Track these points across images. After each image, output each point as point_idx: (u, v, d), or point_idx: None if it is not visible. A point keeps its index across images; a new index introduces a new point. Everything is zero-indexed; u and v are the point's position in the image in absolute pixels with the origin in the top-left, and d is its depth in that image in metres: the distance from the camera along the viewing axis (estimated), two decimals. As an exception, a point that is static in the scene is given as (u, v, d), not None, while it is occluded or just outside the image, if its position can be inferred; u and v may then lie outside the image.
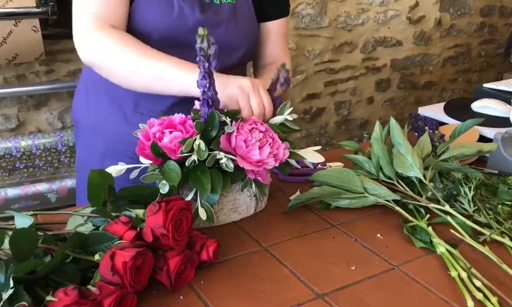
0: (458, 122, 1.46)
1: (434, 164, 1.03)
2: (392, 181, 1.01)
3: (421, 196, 0.99)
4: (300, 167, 1.01)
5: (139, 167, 0.89)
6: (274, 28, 1.29)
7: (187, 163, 0.86)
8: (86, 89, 1.26)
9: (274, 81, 0.98)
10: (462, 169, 1.04)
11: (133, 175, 0.89)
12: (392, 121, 1.05)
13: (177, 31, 1.09)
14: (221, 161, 0.85)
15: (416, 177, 1.00)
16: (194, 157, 0.85)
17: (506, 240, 0.87)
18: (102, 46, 1.03)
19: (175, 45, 1.08)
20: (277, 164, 0.92)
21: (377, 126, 1.09)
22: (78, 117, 1.29)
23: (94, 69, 1.09)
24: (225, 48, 1.15)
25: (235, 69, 1.20)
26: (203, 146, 0.86)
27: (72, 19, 1.07)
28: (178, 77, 0.98)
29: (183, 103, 1.05)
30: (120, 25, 1.07)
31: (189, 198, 0.89)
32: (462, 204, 0.99)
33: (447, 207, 0.94)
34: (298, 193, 1.05)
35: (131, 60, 1.01)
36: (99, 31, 1.03)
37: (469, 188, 1.00)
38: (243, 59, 1.23)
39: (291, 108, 0.99)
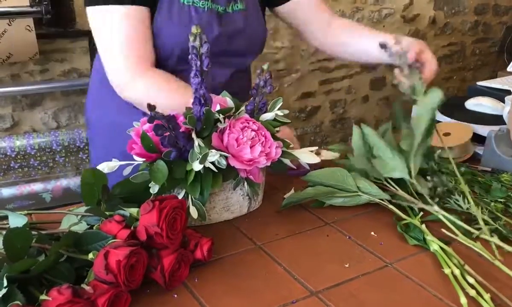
0: (452, 120, 1.47)
1: (415, 159, 0.97)
2: (381, 182, 1.01)
3: (412, 195, 0.99)
4: (295, 167, 1.01)
5: (132, 164, 0.89)
6: (299, 4, 1.28)
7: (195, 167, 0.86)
8: (100, 89, 1.23)
9: (256, 86, 0.97)
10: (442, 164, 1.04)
11: (126, 172, 0.89)
12: (364, 127, 1.02)
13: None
14: (213, 158, 0.85)
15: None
16: (199, 166, 0.85)
17: (494, 239, 0.86)
18: (146, 95, 1.05)
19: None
20: (268, 163, 0.92)
21: (355, 133, 1.06)
22: (94, 116, 1.27)
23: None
24: (241, 54, 1.20)
25: (242, 73, 1.23)
26: (201, 143, 0.86)
27: (103, 56, 1.08)
28: None
29: None
30: (153, 59, 1.10)
31: (180, 196, 0.89)
32: (457, 200, 0.99)
33: (436, 207, 0.93)
34: (292, 191, 1.05)
35: (171, 105, 1.02)
36: (138, 75, 1.06)
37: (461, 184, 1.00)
38: (251, 61, 1.25)
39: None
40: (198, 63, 0.86)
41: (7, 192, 2.18)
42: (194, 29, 0.86)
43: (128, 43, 1.06)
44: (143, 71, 1.07)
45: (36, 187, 2.21)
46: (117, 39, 1.06)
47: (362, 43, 1.27)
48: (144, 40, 1.07)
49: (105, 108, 1.23)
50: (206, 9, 1.10)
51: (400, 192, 0.98)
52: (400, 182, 1.02)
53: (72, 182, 2.26)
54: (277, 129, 0.98)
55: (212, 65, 0.90)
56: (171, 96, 1.06)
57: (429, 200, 0.96)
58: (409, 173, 0.96)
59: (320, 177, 1.02)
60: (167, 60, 1.12)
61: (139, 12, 1.06)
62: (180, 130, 0.85)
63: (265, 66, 0.96)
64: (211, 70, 0.88)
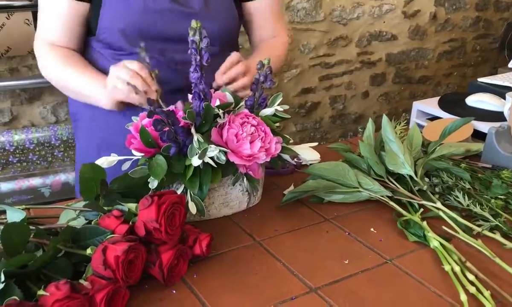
0: (453, 116, 1.46)
1: (424, 163, 1.03)
2: (382, 179, 1.01)
3: (413, 192, 0.99)
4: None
5: (131, 158, 0.89)
6: (258, 6, 1.28)
7: (195, 163, 0.85)
8: None
9: (256, 81, 0.97)
10: (450, 168, 1.05)
11: (125, 166, 0.88)
12: (385, 119, 1.04)
13: (146, 22, 1.09)
14: (212, 154, 0.84)
15: (408, 175, 1.00)
16: (197, 161, 0.84)
17: (497, 236, 0.87)
18: (47, 65, 1.17)
19: (150, 37, 1.09)
20: (268, 159, 0.91)
21: (370, 124, 1.08)
22: (76, 110, 1.28)
23: None
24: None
25: (220, 58, 1.17)
26: (200, 138, 0.85)
27: (38, 20, 1.18)
28: (92, 93, 1.11)
29: (177, 93, 1.05)
30: (73, 46, 1.16)
31: (179, 191, 0.89)
32: (457, 197, 0.99)
33: (439, 204, 0.94)
34: (292, 187, 1.04)
35: (60, 77, 1.17)
36: (46, 51, 1.16)
37: (463, 182, 1.00)
38: (224, 45, 1.19)
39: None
40: (198, 57, 0.86)
41: (5, 186, 2.18)
42: (193, 23, 0.85)
43: (53, 28, 1.14)
44: (57, 48, 1.14)
45: (35, 181, 2.21)
46: (46, 18, 1.15)
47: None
48: (67, 30, 1.14)
49: (82, 102, 1.23)
50: None
51: (401, 189, 0.98)
52: (398, 179, 1.02)
53: (71, 176, 2.25)
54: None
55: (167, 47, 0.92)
56: (62, 69, 1.14)
57: (432, 197, 0.96)
58: (415, 172, 0.99)
59: (321, 170, 1.01)
60: (118, 44, 1.12)
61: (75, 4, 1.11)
62: (180, 125, 0.85)
63: (265, 61, 0.95)
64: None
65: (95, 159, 0.86)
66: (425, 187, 0.99)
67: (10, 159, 2.20)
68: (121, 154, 0.89)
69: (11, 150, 2.18)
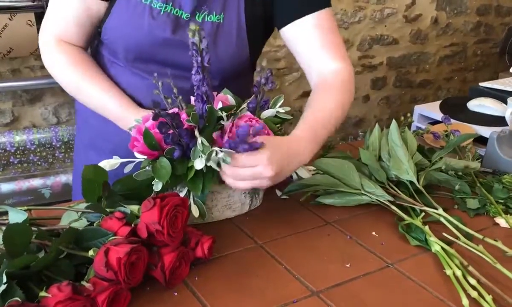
0: (454, 121, 1.46)
1: (426, 174, 1.04)
2: (383, 185, 1.02)
3: (414, 198, 0.99)
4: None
5: (133, 161, 0.89)
6: (296, 32, 1.08)
7: (197, 166, 0.85)
8: None
9: (257, 83, 0.96)
10: (451, 181, 1.05)
11: (127, 169, 0.88)
12: (393, 124, 1.05)
13: (144, 51, 1.06)
14: (218, 156, 0.84)
15: (410, 182, 1.00)
16: (200, 164, 0.84)
17: (498, 243, 0.87)
18: (55, 64, 1.09)
19: (145, 59, 1.06)
20: None
21: (376, 130, 1.09)
22: (78, 106, 1.28)
23: None
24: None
25: (216, 89, 1.07)
26: (204, 141, 0.85)
27: (48, 12, 1.11)
28: (118, 115, 1.05)
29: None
30: (81, 44, 1.10)
31: (182, 194, 0.89)
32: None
33: (440, 210, 0.94)
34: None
35: (74, 81, 1.08)
36: (54, 46, 1.08)
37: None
38: (226, 79, 1.08)
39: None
40: (199, 59, 0.85)
41: (6, 187, 2.18)
42: (192, 26, 0.84)
43: (63, 22, 1.07)
44: (61, 44, 1.08)
45: (35, 182, 2.21)
46: (58, 10, 1.08)
47: None
48: (78, 26, 1.08)
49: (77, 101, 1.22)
50: (162, 12, 1.02)
51: (403, 195, 0.99)
52: (399, 185, 1.02)
53: (72, 178, 2.25)
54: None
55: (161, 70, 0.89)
56: (85, 81, 1.07)
57: (434, 203, 0.96)
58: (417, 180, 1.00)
59: (327, 165, 1.01)
60: (116, 57, 1.10)
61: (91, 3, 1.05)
62: (183, 128, 0.85)
63: (264, 64, 0.95)
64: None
65: (82, 158, 0.85)
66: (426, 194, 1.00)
67: (11, 160, 2.21)
68: (103, 158, 0.88)
69: (12, 150, 2.19)
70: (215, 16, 1.04)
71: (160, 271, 0.75)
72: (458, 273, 0.80)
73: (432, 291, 0.79)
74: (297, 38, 1.08)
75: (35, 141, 2.21)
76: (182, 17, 1.03)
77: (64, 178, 2.24)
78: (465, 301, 0.75)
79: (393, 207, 0.97)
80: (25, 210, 0.81)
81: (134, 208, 0.79)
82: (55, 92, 2.29)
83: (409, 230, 0.93)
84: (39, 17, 1.99)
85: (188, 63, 0.88)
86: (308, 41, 1.08)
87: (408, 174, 1.00)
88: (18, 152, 2.20)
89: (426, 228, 0.91)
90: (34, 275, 0.70)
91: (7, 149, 2.17)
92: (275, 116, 0.99)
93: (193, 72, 0.87)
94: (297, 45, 1.09)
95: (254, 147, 0.82)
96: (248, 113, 0.93)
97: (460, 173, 1.09)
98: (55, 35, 1.08)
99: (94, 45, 1.17)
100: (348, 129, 3.22)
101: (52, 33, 1.09)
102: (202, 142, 0.84)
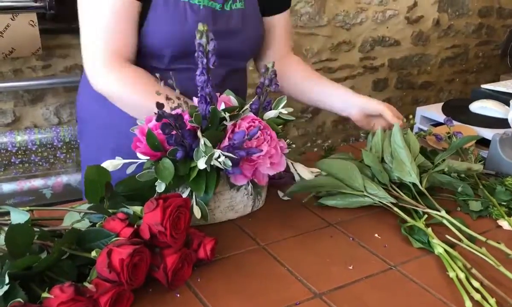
0: (457, 123, 1.46)
1: (429, 176, 1.03)
2: (386, 187, 1.01)
3: (416, 200, 0.99)
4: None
5: (136, 162, 0.88)
6: (277, 23, 1.28)
7: (200, 165, 0.85)
8: (91, 88, 1.19)
9: (261, 84, 0.96)
10: (454, 183, 1.05)
11: (130, 170, 0.88)
12: (396, 126, 1.05)
13: (190, 44, 1.06)
14: (219, 159, 0.84)
15: (413, 184, 1.00)
16: (204, 164, 0.84)
17: (501, 246, 0.86)
18: (117, 90, 1.06)
19: (188, 54, 1.05)
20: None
21: (379, 132, 1.09)
22: (85, 115, 1.26)
23: None
24: (236, 55, 1.18)
25: (237, 74, 1.23)
26: (207, 142, 0.85)
27: (83, 41, 1.07)
28: None
29: None
30: (131, 55, 1.08)
31: (185, 195, 0.88)
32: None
33: (443, 212, 0.94)
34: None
35: (141, 106, 1.03)
36: (112, 69, 1.05)
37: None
38: (247, 62, 1.25)
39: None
40: (205, 60, 0.86)
41: (7, 187, 2.17)
42: (200, 27, 0.85)
43: (108, 35, 1.04)
44: (119, 66, 1.05)
45: (37, 183, 2.20)
46: (98, 29, 1.04)
47: (323, 96, 1.32)
48: (126, 35, 1.06)
49: (97, 105, 1.20)
50: (201, 6, 1.09)
51: (405, 197, 0.98)
52: (401, 187, 1.02)
53: (73, 178, 2.25)
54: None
55: None
56: (144, 97, 1.03)
57: (437, 205, 0.96)
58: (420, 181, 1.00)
59: (330, 166, 1.01)
60: (158, 59, 1.10)
61: (128, 5, 1.04)
62: (186, 129, 0.84)
63: (269, 65, 0.95)
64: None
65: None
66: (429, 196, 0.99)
67: (12, 160, 2.20)
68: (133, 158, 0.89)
69: (14, 151, 2.18)
70: (239, 2, 1.16)
71: (162, 273, 0.75)
72: (461, 275, 0.80)
73: (435, 293, 0.79)
74: (275, 26, 1.28)
75: (36, 141, 2.21)
76: (216, 8, 1.12)
77: (65, 178, 2.24)
78: (468, 303, 0.75)
79: (396, 209, 0.97)
80: (27, 211, 0.81)
81: (137, 209, 0.79)
82: (57, 93, 2.29)
83: (412, 232, 0.93)
84: (41, 17, 1.99)
85: (226, 49, 1.00)
86: (284, 30, 1.30)
87: (410, 176, 1.00)
88: (19, 152, 2.20)
89: (429, 230, 0.91)
90: (37, 276, 0.70)
91: (9, 149, 2.17)
92: (278, 117, 0.98)
93: (197, 73, 0.87)
94: (278, 31, 1.29)
95: (252, 153, 0.86)
96: (251, 114, 0.93)
97: (462, 175, 1.09)
98: (111, 51, 1.04)
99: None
100: (349, 130, 3.22)
101: (110, 51, 1.04)
102: (205, 143, 0.84)
